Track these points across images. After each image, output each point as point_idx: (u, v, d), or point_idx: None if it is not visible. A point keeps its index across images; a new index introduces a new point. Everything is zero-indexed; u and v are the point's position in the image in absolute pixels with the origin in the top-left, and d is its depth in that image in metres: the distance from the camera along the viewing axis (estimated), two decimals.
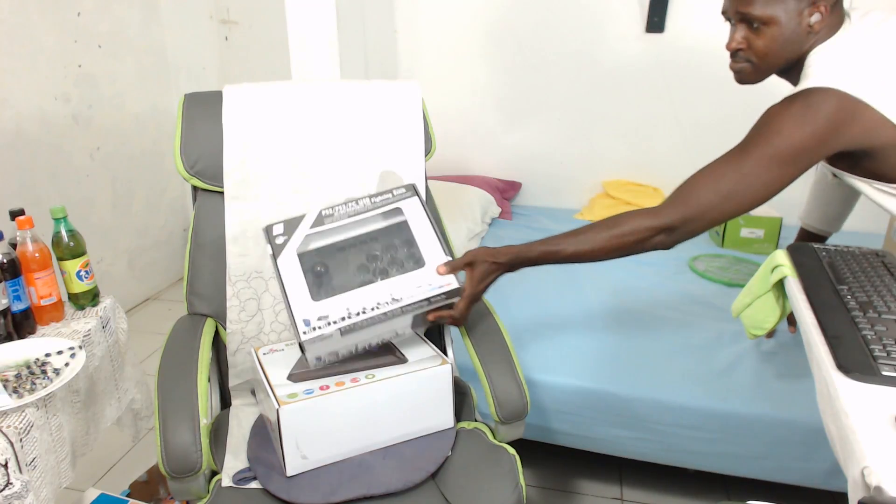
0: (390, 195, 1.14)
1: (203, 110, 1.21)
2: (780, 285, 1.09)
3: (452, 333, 1.30)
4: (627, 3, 2.28)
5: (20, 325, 1.14)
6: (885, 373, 0.70)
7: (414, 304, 1.03)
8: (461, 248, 2.02)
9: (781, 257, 1.05)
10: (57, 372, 1.02)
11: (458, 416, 1.13)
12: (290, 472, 0.98)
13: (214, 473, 1.01)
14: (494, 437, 1.07)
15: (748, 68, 1.12)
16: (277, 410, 0.95)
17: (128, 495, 1.42)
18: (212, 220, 1.21)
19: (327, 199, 1.22)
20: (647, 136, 2.44)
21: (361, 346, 1.06)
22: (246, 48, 2.72)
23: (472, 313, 1.15)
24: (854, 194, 1.42)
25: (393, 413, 1.04)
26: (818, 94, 1.00)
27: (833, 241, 1.52)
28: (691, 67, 2.22)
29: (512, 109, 2.55)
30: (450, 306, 1.07)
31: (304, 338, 0.98)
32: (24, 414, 0.94)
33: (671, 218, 1.05)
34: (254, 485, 0.99)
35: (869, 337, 0.77)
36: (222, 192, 1.21)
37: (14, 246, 1.14)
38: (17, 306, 1.12)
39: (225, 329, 1.20)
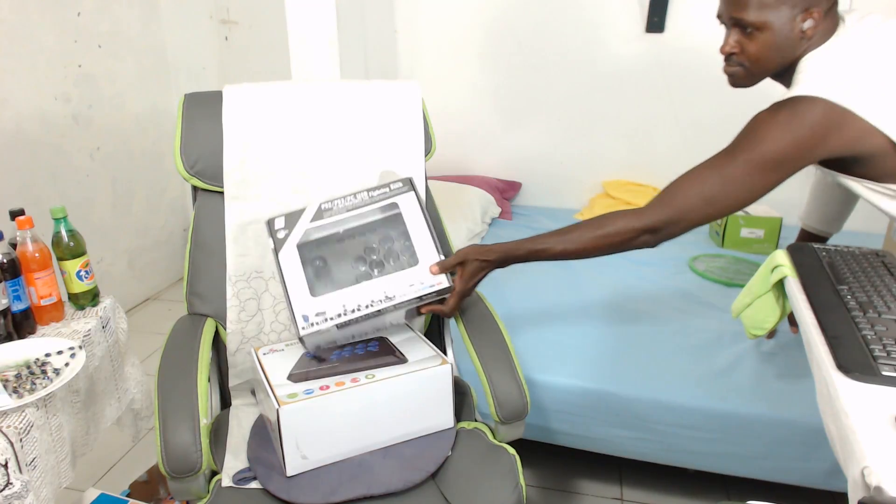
0: (388, 189, 1.18)
1: (203, 110, 1.21)
2: (780, 285, 1.09)
3: (452, 333, 1.30)
4: (627, 3, 2.28)
5: (20, 325, 1.14)
6: (885, 373, 0.70)
7: (406, 301, 1.10)
8: (461, 248, 2.02)
9: (781, 257, 1.05)
10: (57, 372, 1.02)
11: (458, 416, 1.13)
12: (290, 472, 0.98)
13: (214, 473, 1.01)
14: (494, 437, 1.07)
15: (741, 72, 1.13)
16: (277, 410, 0.95)
17: (128, 495, 1.42)
18: (212, 220, 1.21)
19: (328, 198, 1.23)
20: (647, 136, 2.44)
21: (358, 336, 1.15)
22: (246, 48, 2.72)
23: (472, 313, 1.18)
24: (853, 195, 1.42)
25: (393, 413, 1.04)
26: (805, 102, 1.01)
27: (833, 241, 1.53)
28: (691, 67, 2.22)
29: (512, 109, 2.55)
30: (441, 301, 1.13)
31: (302, 333, 1.06)
32: (24, 414, 0.94)
33: (655, 219, 1.08)
34: (254, 485, 0.99)
35: (869, 337, 0.77)
36: (222, 192, 1.21)
37: (14, 246, 1.14)
38: (17, 306, 1.12)
39: (225, 329, 1.20)
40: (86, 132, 2.32)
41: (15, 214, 1.15)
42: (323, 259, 1.13)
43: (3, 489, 0.86)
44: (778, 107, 1.04)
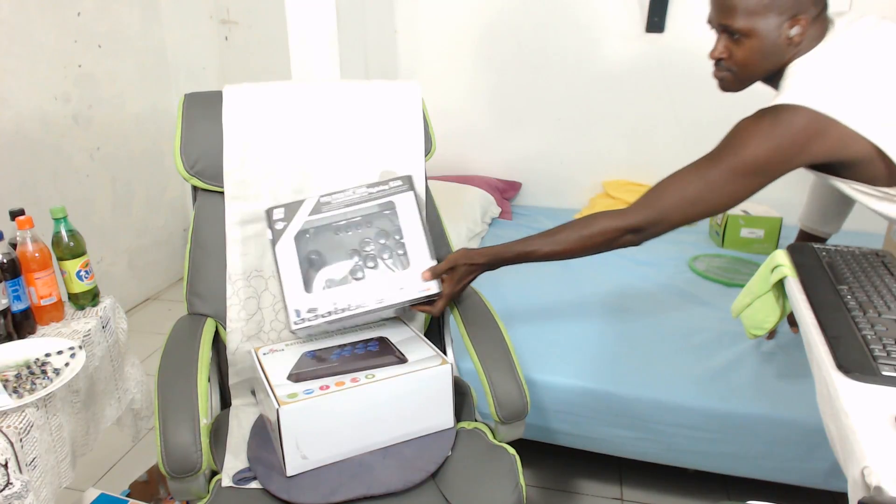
0: (387, 187, 1.21)
1: (203, 110, 1.21)
2: (780, 285, 1.09)
3: (452, 333, 1.30)
4: (627, 3, 2.28)
5: (20, 325, 1.14)
6: (885, 373, 0.70)
7: (396, 304, 1.15)
8: (461, 247, 2.02)
9: (781, 257, 1.05)
10: (57, 372, 1.02)
11: (458, 416, 1.13)
12: (290, 472, 0.98)
13: (214, 473, 1.01)
14: (494, 437, 1.07)
15: (729, 77, 1.16)
16: (277, 410, 0.95)
17: (128, 495, 1.42)
18: (212, 220, 1.21)
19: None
20: (646, 136, 2.44)
21: (348, 327, 1.21)
22: (246, 48, 2.72)
23: (472, 313, 1.19)
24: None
25: (393, 413, 1.04)
26: (787, 111, 1.02)
27: (833, 241, 1.52)
28: (691, 67, 2.22)
29: (512, 109, 2.55)
30: (430, 302, 1.17)
31: (294, 327, 1.12)
32: (24, 414, 0.94)
33: (638, 219, 1.12)
34: (254, 485, 0.99)
35: (869, 337, 0.77)
36: (222, 192, 1.21)
37: (14, 246, 1.14)
38: (17, 306, 1.12)
39: (225, 329, 1.20)
40: (86, 132, 2.32)
41: (15, 214, 1.15)
42: (318, 253, 1.16)
43: (3, 489, 0.86)
44: (761, 114, 1.06)
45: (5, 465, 0.87)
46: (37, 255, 1.14)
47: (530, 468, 1.64)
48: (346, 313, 1.12)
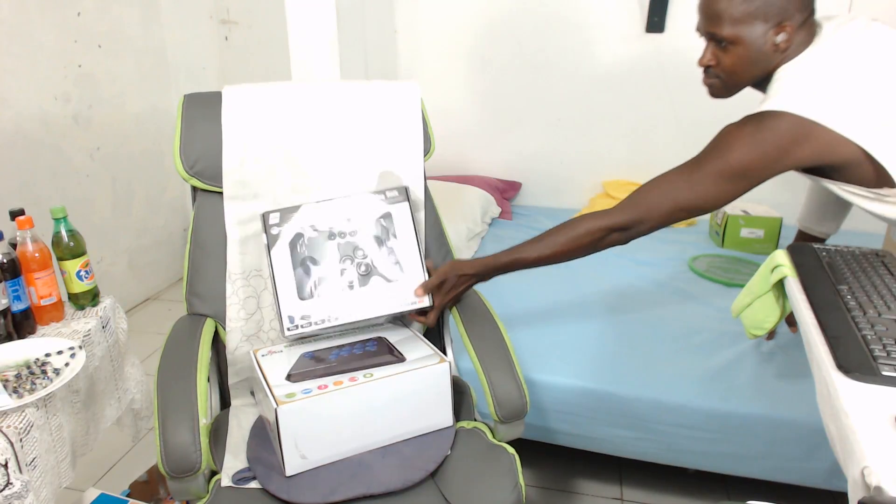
0: (383, 197, 1.22)
1: (202, 111, 1.21)
2: (780, 285, 1.09)
3: (452, 333, 1.30)
4: (627, 3, 2.28)
5: (20, 325, 1.14)
6: (885, 373, 0.70)
7: (388, 314, 1.19)
8: (461, 248, 2.03)
9: (781, 257, 1.05)
10: (57, 372, 1.02)
11: (458, 415, 1.13)
12: (289, 471, 0.98)
13: (214, 473, 1.01)
14: (494, 437, 1.07)
15: (718, 84, 1.18)
16: (276, 410, 0.95)
17: (128, 495, 1.42)
18: (211, 221, 1.21)
19: (327, 197, 1.23)
20: (646, 136, 2.44)
21: (343, 330, 1.22)
22: (246, 48, 2.72)
23: (471, 313, 1.20)
24: None
25: (392, 412, 1.04)
26: (771, 117, 1.04)
27: (833, 241, 1.52)
28: (691, 67, 2.20)
29: (512, 109, 2.55)
30: (423, 311, 1.21)
31: (287, 334, 1.14)
32: (24, 414, 0.94)
33: (623, 219, 1.15)
34: (253, 485, 0.99)
35: (869, 337, 0.77)
36: (222, 193, 1.21)
37: (14, 246, 1.14)
38: (17, 306, 1.12)
39: (224, 329, 1.20)
40: (86, 132, 2.32)
41: (15, 214, 1.15)
42: (313, 260, 1.17)
43: (3, 489, 0.86)
44: (746, 120, 1.07)
45: (5, 465, 0.87)
46: (37, 255, 1.14)
47: (530, 468, 1.64)
48: (339, 322, 1.15)
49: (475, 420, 1.14)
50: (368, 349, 1.13)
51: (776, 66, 1.10)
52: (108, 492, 1.36)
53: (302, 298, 1.14)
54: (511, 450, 1.04)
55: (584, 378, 1.42)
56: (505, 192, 2.56)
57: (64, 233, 1.19)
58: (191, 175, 1.19)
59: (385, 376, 1.03)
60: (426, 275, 1.21)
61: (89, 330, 1.18)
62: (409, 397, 1.04)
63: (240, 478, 1.00)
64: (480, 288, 1.27)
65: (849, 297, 0.87)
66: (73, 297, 1.23)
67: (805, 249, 1.05)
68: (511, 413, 1.03)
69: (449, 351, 1.29)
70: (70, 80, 2.23)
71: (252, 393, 1.22)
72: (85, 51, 2.28)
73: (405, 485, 0.97)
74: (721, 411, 1.34)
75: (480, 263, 1.21)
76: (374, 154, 1.28)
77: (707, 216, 2.38)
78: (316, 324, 1.14)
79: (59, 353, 1.07)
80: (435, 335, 1.31)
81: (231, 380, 1.22)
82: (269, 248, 1.15)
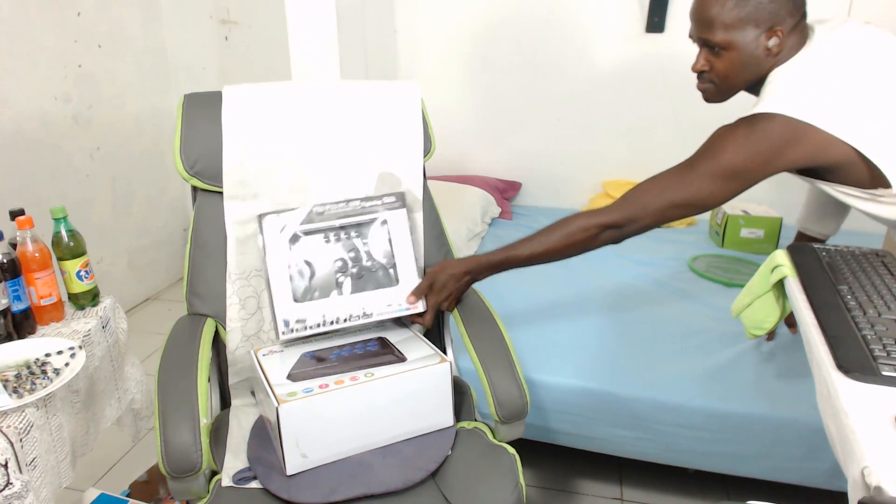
0: (380, 202, 1.22)
1: (202, 111, 1.21)
2: (780, 285, 1.09)
3: (452, 333, 1.30)
4: (627, 3, 2.28)
5: (20, 325, 1.14)
6: (885, 373, 0.70)
7: (383, 319, 1.20)
8: (461, 247, 2.03)
9: (781, 257, 1.05)
10: (57, 372, 1.02)
11: (458, 415, 1.13)
12: (289, 471, 0.98)
13: (214, 473, 1.01)
14: (494, 437, 1.07)
15: (712, 88, 1.19)
16: (277, 409, 0.95)
17: (128, 495, 1.42)
18: (212, 220, 1.21)
19: (326, 199, 1.24)
20: (646, 136, 2.44)
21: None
22: (246, 48, 2.72)
23: (471, 313, 1.20)
24: None
25: (392, 411, 1.04)
26: (764, 119, 1.05)
27: (833, 240, 1.52)
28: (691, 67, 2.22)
29: (512, 109, 2.55)
30: (419, 314, 1.21)
31: (283, 337, 1.14)
32: (24, 414, 0.94)
33: (616, 216, 1.15)
34: (254, 484, 0.99)
35: (869, 337, 0.77)
36: (222, 192, 1.21)
37: (14, 246, 1.14)
38: (17, 306, 1.12)
39: (225, 329, 1.20)
40: (86, 132, 2.32)
41: (15, 214, 1.15)
42: (309, 263, 1.17)
43: (3, 489, 0.86)
44: (739, 122, 1.08)
45: (5, 465, 0.87)
46: (37, 255, 1.14)
47: (530, 468, 1.64)
48: (335, 326, 1.16)
49: (476, 420, 1.14)
50: (369, 349, 1.13)
51: (769, 70, 1.11)
52: (108, 492, 1.36)
53: (297, 302, 1.15)
54: (511, 450, 1.04)
55: (584, 378, 1.42)
56: (505, 192, 2.56)
57: (64, 233, 1.19)
58: (191, 175, 1.19)
59: (386, 376, 1.03)
60: (421, 279, 1.22)
61: (89, 330, 1.18)
62: (409, 397, 1.04)
63: (240, 478, 1.00)
64: (480, 288, 1.27)
65: (849, 297, 0.87)
66: (73, 297, 1.23)
67: (805, 249, 1.05)
68: (511, 413, 1.03)
69: (449, 351, 1.29)
70: (70, 80, 2.23)
71: (252, 393, 1.22)
72: (85, 51, 2.28)
73: (406, 485, 0.97)
74: (721, 411, 1.34)
75: (473, 261, 1.21)
76: (374, 154, 1.28)
77: (707, 216, 2.38)
78: (311, 328, 1.15)
79: (59, 353, 1.07)
80: (435, 335, 1.31)
81: (231, 380, 1.22)
82: (264, 251, 1.15)
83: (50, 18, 2.13)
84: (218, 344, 1.21)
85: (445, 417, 1.09)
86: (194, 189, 1.22)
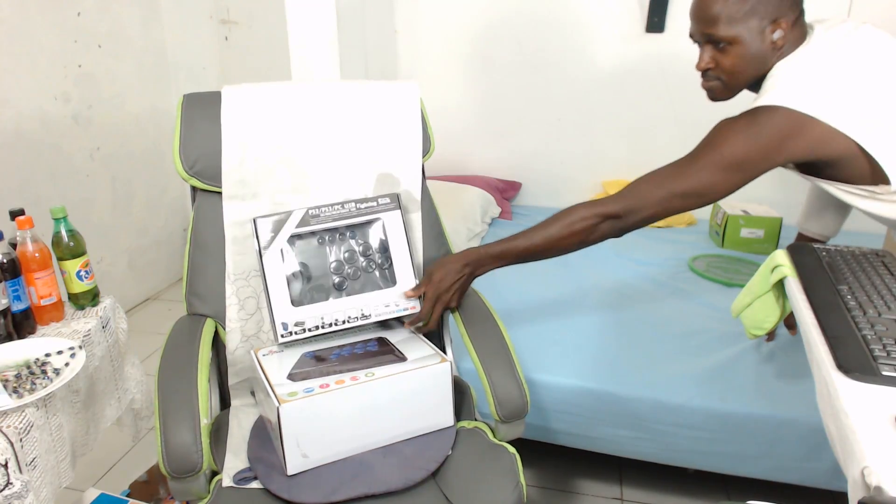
0: (375, 203, 1.22)
1: (202, 111, 1.21)
2: (780, 285, 1.09)
3: (452, 333, 1.30)
4: (627, 3, 2.28)
5: (20, 325, 1.14)
6: (885, 373, 0.70)
7: (380, 320, 1.20)
8: (461, 248, 2.02)
9: (781, 257, 1.05)
10: (57, 372, 1.02)
11: (458, 415, 1.13)
12: (290, 471, 0.98)
13: (215, 473, 1.01)
14: (494, 437, 1.07)
15: (718, 86, 1.18)
16: (278, 409, 0.95)
17: (128, 495, 1.42)
18: (211, 220, 1.21)
19: (325, 199, 1.24)
20: (646, 136, 2.44)
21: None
22: (246, 48, 2.72)
23: (471, 313, 1.20)
24: None
25: (393, 411, 1.04)
26: (765, 111, 1.05)
27: (833, 240, 1.53)
28: (691, 68, 2.21)
29: (512, 109, 2.55)
30: (422, 324, 1.21)
31: (281, 340, 1.13)
32: (24, 414, 0.94)
33: (617, 207, 1.15)
34: (254, 484, 0.99)
35: (869, 337, 0.77)
36: (221, 193, 1.21)
37: (14, 246, 1.13)
38: (17, 306, 1.12)
39: (224, 329, 1.20)
40: (86, 132, 2.32)
41: (15, 214, 1.15)
42: (305, 265, 1.17)
43: (3, 489, 0.86)
44: (741, 115, 1.08)
45: (5, 465, 0.87)
46: (37, 255, 1.14)
47: (530, 468, 1.64)
48: (334, 328, 1.16)
49: (476, 420, 1.14)
50: (370, 349, 1.14)
51: (772, 65, 1.11)
52: (108, 492, 1.36)
53: (294, 304, 1.15)
54: (512, 449, 1.04)
55: (584, 378, 1.42)
56: (505, 192, 2.56)
57: (64, 233, 1.19)
58: (190, 175, 1.19)
59: (386, 376, 1.03)
60: (417, 281, 1.22)
61: (89, 330, 1.18)
62: (410, 397, 1.04)
63: (241, 478, 1.00)
64: (480, 288, 1.27)
65: (849, 297, 0.87)
66: (73, 297, 1.23)
67: (805, 249, 1.05)
68: (512, 413, 1.03)
69: (449, 350, 1.29)
70: (70, 80, 2.23)
71: (252, 393, 1.22)
72: (85, 51, 2.28)
73: (406, 484, 0.97)
74: (721, 411, 1.34)
75: (471, 253, 1.20)
76: (374, 154, 1.28)
77: (707, 216, 2.38)
78: (310, 330, 1.15)
79: (59, 353, 1.07)
80: (435, 335, 1.31)
81: (231, 380, 1.22)
82: (260, 254, 1.15)
83: (50, 18, 2.13)
84: (217, 344, 1.21)
85: (446, 417, 1.09)
86: (194, 189, 1.22)
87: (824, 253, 1.03)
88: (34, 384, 0.98)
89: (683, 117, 2.36)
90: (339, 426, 1.01)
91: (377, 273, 1.21)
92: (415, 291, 1.20)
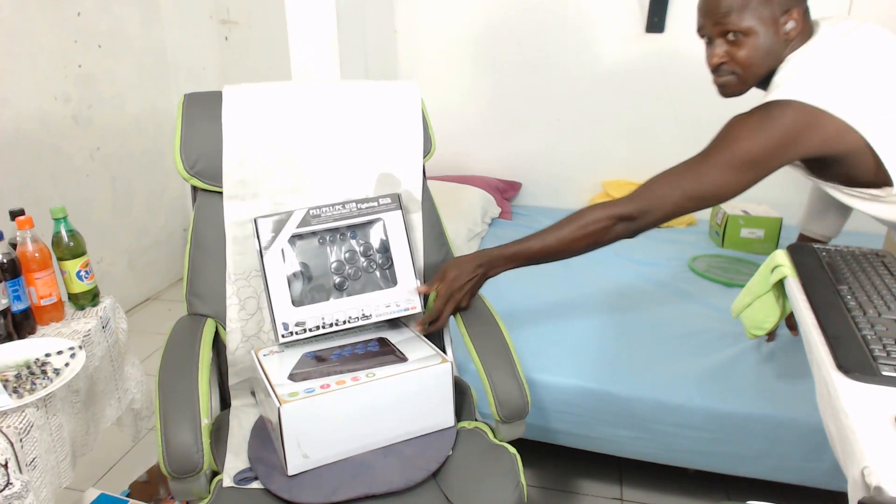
0: (376, 203, 1.22)
1: (203, 110, 1.21)
2: (780, 285, 1.09)
3: (452, 333, 1.30)
4: (627, 3, 2.29)
5: (20, 325, 1.14)
6: (885, 373, 0.70)
7: (381, 320, 1.19)
8: (461, 248, 2.03)
9: (781, 257, 1.05)
10: (57, 372, 1.02)
11: (459, 415, 1.13)
12: (291, 471, 0.98)
13: (215, 474, 1.01)
14: (495, 437, 1.07)
15: (733, 80, 1.16)
16: (279, 409, 0.95)
17: (128, 495, 1.42)
18: (211, 220, 1.21)
19: (325, 199, 1.24)
20: (646, 136, 2.44)
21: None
22: (246, 48, 2.72)
23: (472, 313, 1.19)
24: None
25: (394, 411, 1.04)
26: (777, 106, 1.04)
27: (833, 241, 1.53)
28: (691, 67, 2.22)
29: (512, 109, 2.55)
30: (432, 321, 1.20)
31: (282, 340, 1.13)
32: (24, 414, 0.94)
33: (630, 208, 1.13)
34: (255, 485, 0.99)
35: (869, 337, 0.77)
36: (222, 192, 1.21)
37: (14, 246, 1.14)
38: (17, 306, 1.12)
39: (225, 329, 1.20)
40: (86, 132, 2.32)
41: (15, 214, 1.15)
42: (306, 266, 1.17)
43: (3, 489, 0.86)
44: (753, 110, 1.07)
45: (5, 465, 0.87)
46: (37, 255, 1.14)
47: (530, 468, 1.64)
48: (335, 328, 1.16)
49: (476, 420, 1.14)
50: (370, 349, 1.14)
51: (783, 60, 1.11)
52: (108, 492, 1.36)
53: (295, 305, 1.14)
54: (512, 449, 1.04)
55: (584, 378, 1.42)
56: (505, 192, 2.56)
57: (64, 233, 1.19)
58: (191, 175, 1.19)
59: (387, 376, 1.03)
60: (418, 280, 1.21)
61: (89, 330, 1.18)
62: (410, 397, 1.04)
63: (241, 478, 1.00)
64: (481, 288, 1.26)
65: (849, 297, 0.87)
66: (73, 297, 1.23)
67: (805, 249, 1.06)
68: (512, 413, 1.03)
69: (449, 351, 1.29)
70: (70, 80, 2.23)
71: (253, 393, 1.22)
72: (85, 51, 2.28)
73: (407, 485, 0.97)
74: (721, 411, 1.34)
75: (484, 254, 1.20)
76: (374, 154, 1.28)
77: (707, 217, 2.38)
78: (311, 330, 1.15)
79: (59, 353, 1.07)
80: (436, 335, 1.31)
81: (231, 380, 1.22)
82: (261, 254, 1.15)
83: (50, 18, 2.13)
84: (218, 344, 1.21)
85: (446, 417, 1.09)
86: (194, 189, 1.22)
87: (824, 253, 1.03)
88: (34, 384, 0.98)
89: (683, 117, 2.36)
90: (340, 426, 1.01)
91: (378, 273, 1.21)
92: (427, 287, 1.19)
